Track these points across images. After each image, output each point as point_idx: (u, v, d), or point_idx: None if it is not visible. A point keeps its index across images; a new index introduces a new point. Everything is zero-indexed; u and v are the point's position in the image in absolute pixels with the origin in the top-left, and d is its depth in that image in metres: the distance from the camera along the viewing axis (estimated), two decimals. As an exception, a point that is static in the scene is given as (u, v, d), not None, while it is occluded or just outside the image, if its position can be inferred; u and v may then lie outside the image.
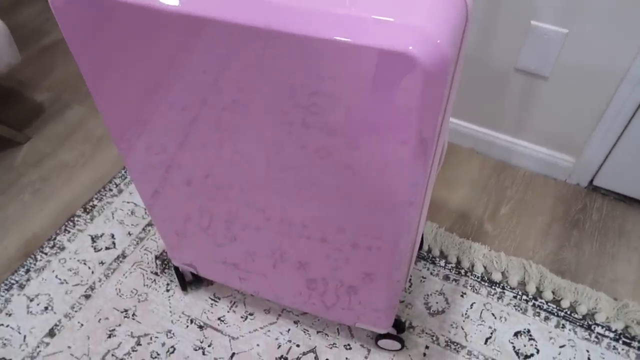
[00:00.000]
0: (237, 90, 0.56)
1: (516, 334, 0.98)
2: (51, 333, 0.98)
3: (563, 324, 0.99)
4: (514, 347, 0.96)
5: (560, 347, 0.96)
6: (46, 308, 1.01)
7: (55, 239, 1.12)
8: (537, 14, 1.00)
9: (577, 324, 0.99)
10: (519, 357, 0.95)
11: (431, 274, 1.07)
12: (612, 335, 0.98)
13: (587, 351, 0.95)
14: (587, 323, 0.99)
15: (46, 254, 1.10)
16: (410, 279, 1.06)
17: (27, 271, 1.07)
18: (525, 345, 0.96)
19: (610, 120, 1.08)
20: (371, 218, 0.68)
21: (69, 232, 1.14)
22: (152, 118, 0.66)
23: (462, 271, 1.07)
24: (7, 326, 0.98)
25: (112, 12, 0.54)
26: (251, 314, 1.01)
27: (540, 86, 1.11)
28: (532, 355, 0.95)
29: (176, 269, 1.01)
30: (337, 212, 0.69)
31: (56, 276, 1.06)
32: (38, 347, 0.96)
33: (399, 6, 0.47)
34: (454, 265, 1.08)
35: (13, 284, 1.05)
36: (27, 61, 1.56)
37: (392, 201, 0.63)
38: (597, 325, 0.99)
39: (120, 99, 0.65)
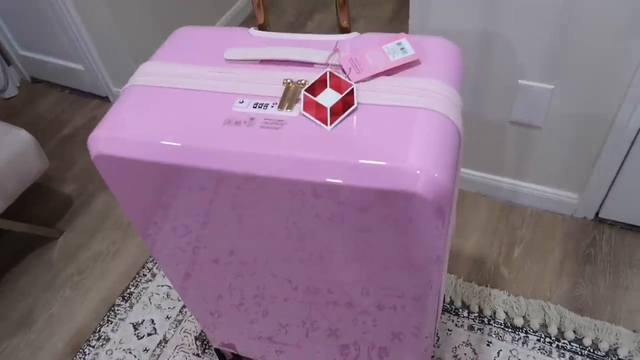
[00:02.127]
0: (248, 192, 0.61)
1: (544, 378, 1.03)
2: None
3: (588, 363, 1.04)
4: (543, 392, 1.01)
5: (588, 386, 1.01)
6: (100, 401, 1.08)
7: (99, 330, 1.19)
8: (523, 73, 1.07)
9: (601, 360, 1.04)
10: (549, 401, 0.99)
11: (456, 325, 1.12)
12: (636, 369, 1.02)
13: (614, 388, 1.00)
14: (611, 358, 1.04)
15: (93, 346, 1.17)
16: (437, 333, 1.11)
17: (78, 366, 1.14)
18: (554, 389, 1.01)
19: (606, 159, 1.14)
20: (392, 278, 0.72)
21: (112, 322, 1.21)
22: (173, 212, 0.71)
23: (485, 319, 1.12)
24: (66, 423, 1.05)
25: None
26: (291, 385, 1.06)
27: (535, 135, 1.17)
28: (562, 397, 1.00)
29: (216, 349, 1.08)
30: (359, 275, 0.73)
31: (105, 368, 1.13)
32: None
33: (400, 147, 0.54)
34: (476, 314, 1.13)
35: (66, 380, 1.12)
36: (49, 154, 1.66)
37: (413, 262, 0.68)
38: (621, 359, 1.04)
39: (143, 202, 0.71)
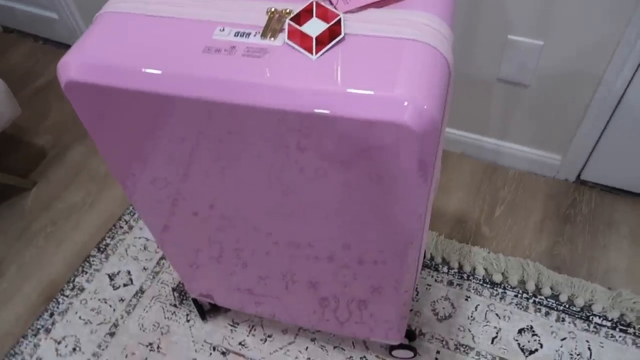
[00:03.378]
0: (229, 123, 0.59)
1: (520, 331, 1.04)
2: (82, 373, 1.03)
3: (563, 318, 1.06)
4: (519, 344, 1.02)
5: (562, 339, 1.03)
6: (74, 349, 1.06)
7: (74, 280, 1.17)
8: (513, 28, 1.05)
9: (576, 316, 1.06)
10: (524, 354, 1.01)
11: (435, 280, 1.13)
12: (609, 324, 1.04)
13: (587, 341, 1.02)
14: (585, 314, 1.06)
15: (67, 296, 1.14)
16: (416, 288, 1.12)
17: (51, 315, 1.12)
18: (529, 342, 1.03)
19: (591, 119, 1.13)
20: (375, 232, 0.72)
21: (86, 272, 1.18)
22: (153, 153, 0.69)
23: (465, 275, 1.13)
24: (40, 371, 1.04)
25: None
26: (270, 336, 1.06)
27: (522, 93, 1.16)
28: (536, 350, 1.02)
29: (194, 300, 1.07)
30: (341, 229, 0.73)
31: (80, 317, 1.11)
32: (71, 388, 1.01)
33: (388, 77, 0.52)
34: (456, 270, 1.14)
35: (39, 328, 1.10)
36: (22, 105, 1.59)
37: (396, 214, 0.67)
38: (595, 315, 1.06)
39: (120, 140, 0.68)
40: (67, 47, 1.78)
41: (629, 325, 1.04)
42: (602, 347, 1.01)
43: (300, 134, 0.56)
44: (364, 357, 1.03)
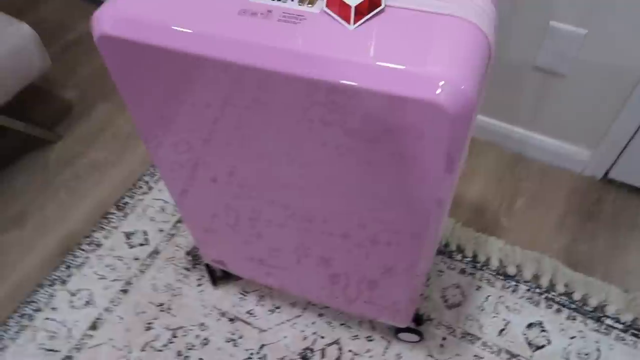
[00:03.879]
0: (256, 93, 0.58)
1: (529, 326, 1.03)
2: (94, 326, 1.06)
3: (574, 316, 1.04)
4: (526, 339, 1.02)
5: (571, 338, 1.01)
6: (87, 302, 1.09)
7: (91, 236, 1.19)
8: (555, 14, 1.01)
9: (588, 315, 1.04)
10: (531, 348, 1.01)
11: (448, 267, 1.12)
12: (621, 326, 1.03)
13: (597, 342, 1.01)
14: (597, 315, 1.04)
15: (84, 250, 1.17)
16: (428, 273, 1.11)
17: (68, 267, 1.14)
18: (537, 337, 1.02)
19: (628, 116, 1.10)
20: (392, 215, 0.71)
21: (104, 229, 1.20)
22: (178, 115, 0.68)
23: (478, 265, 1.12)
24: (53, 320, 1.06)
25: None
26: (278, 307, 1.07)
27: (558, 83, 1.12)
28: (543, 346, 1.01)
29: (206, 265, 1.08)
30: (358, 208, 0.72)
31: (95, 272, 1.13)
32: (82, 339, 1.04)
33: (426, 53, 0.50)
34: (470, 259, 1.13)
35: (55, 279, 1.12)
36: (52, 58, 1.59)
37: (416, 202, 0.66)
38: (607, 317, 1.04)
39: (149, 98, 0.68)
40: (99, 2, 1.78)
41: (642, 329, 1.02)
42: (612, 349, 1.00)
43: (330, 107, 0.55)
44: (370, 336, 1.03)
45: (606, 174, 1.25)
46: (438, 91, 0.49)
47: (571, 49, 1.04)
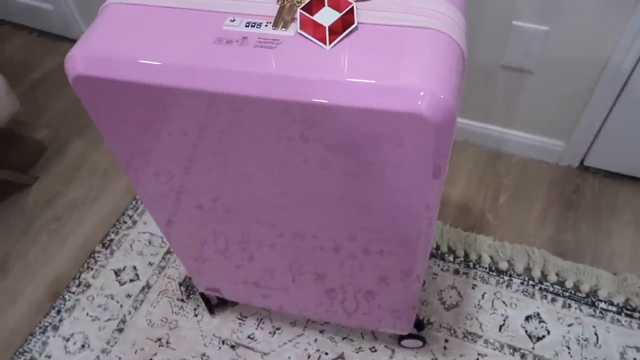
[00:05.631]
0: (234, 118, 0.58)
1: (527, 318, 1.05)
2: (91, 369, 1.03)
3: (569, 304, 1.06)
4: (526, 331, 1.03)
5: (569, 325, 1.03)
6: (83, 346, 1.06)
7: (79, 277, 1.16)
8: (517, 14, 1.04)
9: (582, 302, 1.06)
10: (532, 340, 1.02)
11: (442, 269, 1.13)
12: (614, 309, 1.05)
13: (594, 327, 1.03)
14: (591, 300, 1.07)
15: (73, 293, 1.14)
16: (423, 278, 1.12)
17: (58, 312, 1.11)
18: (536, 328, 1.03)
19: (596, 105, 1.13)
20: (383, 225, 0.71)
21: (92, 268, 1.18)
22: (162, 146, 0.67)
23: (471, 264, 1.13)
24: (48, 368, 1.03)
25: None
26: (278, 329, 1.06)
27: (526, 80, 1.16)
28: (543, 336, 1.02)
29: (201, 294, 1.06)
30: (348, 221, 0.72)
31: (87, 314, 1.10)
32: (81, 384, 1.01)
33: (404, 66, 0.51)
34: (462, 259, 1.14)
35: (47, 326, 1.09)
36: (20, 99, 1.57)
37: (406, 210, 0.66)
38: (600, 301, 1.06)
39: (129, 133, 0.67)
40: (62, 39, 1.76)
41: (634, 309, 1.05)
42: (609, 332, 1.02)
43: (313, 128, 0.55)
44: (373, 347, 1.03)
45: (582, 162, 1.29)
46: (419, 102, 0.50)
47: (535, 46, 1.07)
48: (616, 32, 0.99)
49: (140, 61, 0.56)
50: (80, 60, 0.58)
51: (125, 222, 1.26)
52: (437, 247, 1.16)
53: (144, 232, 1.23)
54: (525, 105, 1.22)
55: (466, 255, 1.15)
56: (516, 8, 1.03)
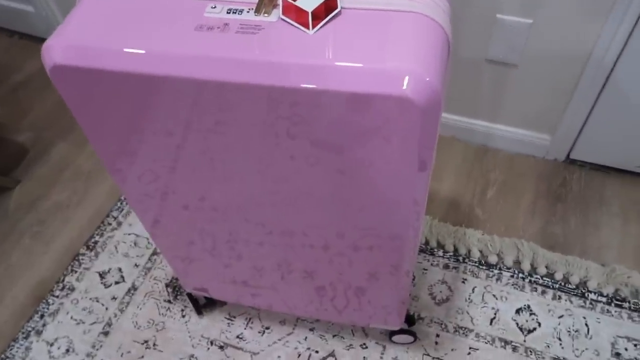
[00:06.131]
0: (219, 111, 0.58)
1: (517, 311, 1.04)
2: (76, 374, 1.00)
3: (559, 296, 1.06)
4: (517, 324, 1.03)
5: (559, 317, 1.03)
6: (67, 350, 1.03)
7: (63, 280, 1.14)
8: (501, 7, 1.05)
9: (572, 293, 1.06)
10: (523, 333, 1.01)
11: (431, 264, 1.12)
12: (604, 300, 1.05)
13: (584, 318, 1.03)
14: (581, 291, 1.07)
15: (57, 296, 1.11)
16: (413, 273, 1.11)
17: (42, 316, 1.08)
18: (527, 321, 1.03)
19: (580, 98, 1.14)
20: (372, 220, 0.70)
21: (76, 271, 1.15)
22: (142, 141, 0.66)
23: (460, 258, 1.13)
24: (32, 374, 1.01)
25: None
26: (268, 328, 1.05)
27: (511, 73, 1.16)
28: (534, 329, 1.02)
29: (189, 294, 1.04)
30: (336, 217, 0.71)
31: (71, 317, 1.08)
32: (66, 389, 0.99)
33: (388, 49, 0.51)
34: (451, 253, 1.14)
35: (30, 331, 1.07)
36: (1, 101, 1.54)
37: (395, 204, 0.66)
38: (590, 292, 1.06)
39: (110, 127, 0.65)
40: (44, 41, 1.72)
41: (623, 300, 1.05)
42: (599, 322, 1.02)
43: (297, 117, 0.54)
44: (364, 344, 1.02)
45: (568, 155, 1.29)
46: (404, 85, 0.49)
47: (519, 39, 1.08)
48: (598, 25, 1.00)
49: (119, 49, 0.55)
50: (57, 50, 0.57)
51: (110, 224, 1.23)
52: (427, 242, 1.16)
53: (129, 234, 1.21)
54: (511, 100, 1.22)
55: (455, 250, 1.14)
56: (500, 1, 1.04)
